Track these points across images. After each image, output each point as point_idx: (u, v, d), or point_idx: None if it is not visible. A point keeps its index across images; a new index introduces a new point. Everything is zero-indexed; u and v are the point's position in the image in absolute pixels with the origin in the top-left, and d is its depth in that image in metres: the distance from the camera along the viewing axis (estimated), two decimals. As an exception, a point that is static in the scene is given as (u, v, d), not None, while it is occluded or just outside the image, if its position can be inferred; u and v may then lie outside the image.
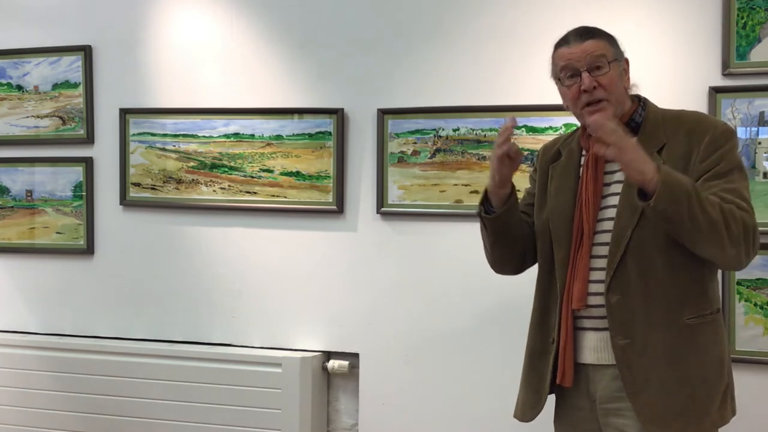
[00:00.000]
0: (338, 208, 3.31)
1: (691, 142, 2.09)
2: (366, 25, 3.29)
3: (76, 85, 3.65)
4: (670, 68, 2.89)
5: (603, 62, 2.10)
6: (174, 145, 3.52)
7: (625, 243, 2.06)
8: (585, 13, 2.69)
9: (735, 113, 2.83)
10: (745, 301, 2.84)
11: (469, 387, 3.16)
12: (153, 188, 3.55)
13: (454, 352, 3.19)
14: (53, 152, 3.69)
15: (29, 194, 3.74)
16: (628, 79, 2.18)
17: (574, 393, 2.19)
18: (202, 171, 3.49)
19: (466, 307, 3.17)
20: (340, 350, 3.35)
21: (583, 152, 2.22)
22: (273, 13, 3.41)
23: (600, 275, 2.10)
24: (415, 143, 3.22)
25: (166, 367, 3.40)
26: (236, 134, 3.44)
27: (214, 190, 3.47)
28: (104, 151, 3.63)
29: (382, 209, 3.26)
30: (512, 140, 2.10)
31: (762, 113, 2.82)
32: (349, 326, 3.33)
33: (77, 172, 3.66)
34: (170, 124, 3.52)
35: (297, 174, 3.37)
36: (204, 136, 3.48)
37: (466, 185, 3.15)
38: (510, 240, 2.26)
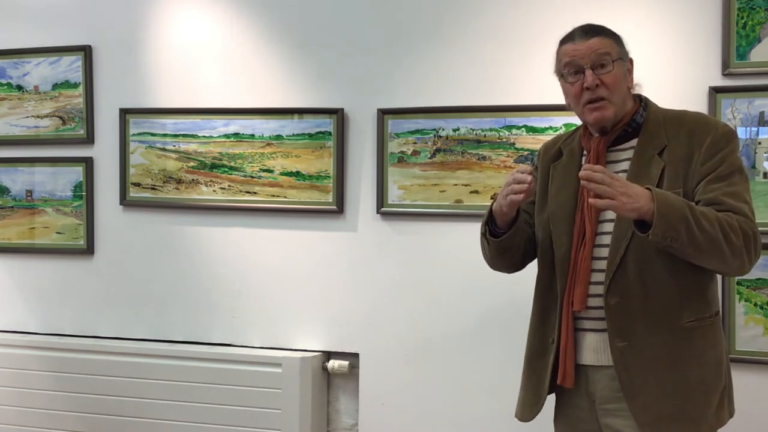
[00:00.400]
0: (338, 208, 3.31)
1: (692, 143, 2.08)
2: (366, 25, 3.29)
3: (76, 85, 3.65)
4: (670, 68, 2.89)
5: (607, 60, 2.10)
6: (174, 145, 3.52)
7: (625, 245, 2.06)
8: (585, 13, 2.68)
9: (735, 113, 2.83)
10: (745, 301, 2.84)
11: (469, 387, 3.16)
12: (153, 188, 3.55)
13: (454, 352, 3.19)
14: (53, 152, 3.69)
15: (29, 194, 3.74)
16: (632, 79, 2.18)
17: (574, 393, 2.19)
18: (202, 171, 3.49)
19: (466, 307, 3.17)
20: (340, 350, 3.35)
21: (584, 152, 2.21)
22: (273, 13, 3.41)
23: (600, 277, 2.10)
24: (415, 143, 3.22)
25: (166, 367, 3.40)
26: (236, 134, 3.44)
27: (214, 190, 3.47)
28: (104, 151, 3.63)
29: (382, 209, 3.26)
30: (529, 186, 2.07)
31: (762, 113, 2.82)
32: (349, 326, 3.33)
33: (77, 172, 3.66)
34: (170, 124, 3.52)
35: (297, 174, 3.37)
36: (204, 136, 3.48)
37: (466, 185, 3.15)
38: (512, 252, 2.25)
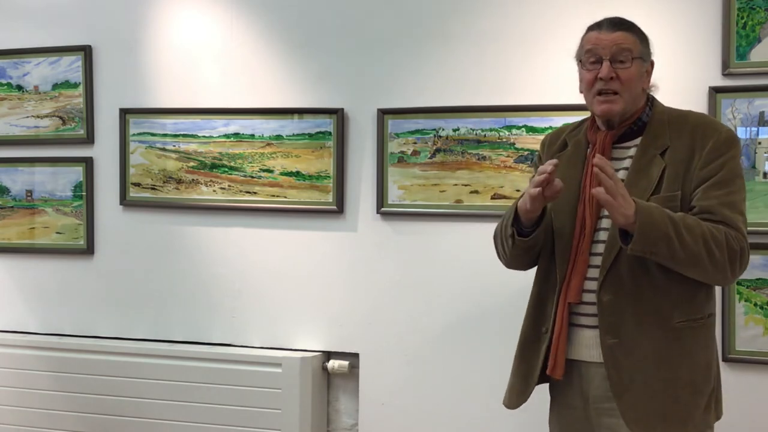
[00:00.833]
0: (338, 208, 3.31)
1: (694, 146, 2.09)
2: (366, 25, 3.29)
3: (76, 85, 3.65)
4: (670, 68, 2.88)
5: (627, 57, 2.11)
6: (174, 145, 3.52)
7: (620, 244, 2.06)
8: (586, 13, 2.67)
9: (735, 113, 2.83)
10: (745, 301, 2.84)
11: (469, 387, 3.16)
12: (153, 188, 3.55)
13: (454, 352, 3.19)
14: (53, 152, 3.69)
15: (29, 194, 3.74)
16: (649, 80, 2.19)
17: (568, 392, 2.20)
18: (202, 171, 3.49)
19: (466, 307, 3.17)
20: (340, 350, 3.35)
21: (590, 145, 2.21)
22: (273, 13, 3.41)
23: (596, 272, 2.11)
24: (415, 143, 3.22)
25: (166, 367, 3.39)
26: (236, 134, 3.44)
27: (214, 190, 3.47)
28: (104, 151, 3.63)
29: (382, 209, 3.26)
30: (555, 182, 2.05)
31: (762, 113, 2.82)
32: (349, 326, 3.33)
33: (77, 172, 3.66)
34: (170, 124, 3.52)
35: (297, 174, 3.37)
36: (204, 136, 3.48)
37: (466, 185, 3.15)
38: (536, 250, 2.23)
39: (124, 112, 3.57)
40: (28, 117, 3.74)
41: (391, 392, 3.27)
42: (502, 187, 3.10)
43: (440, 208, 3.19)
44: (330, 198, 3.32)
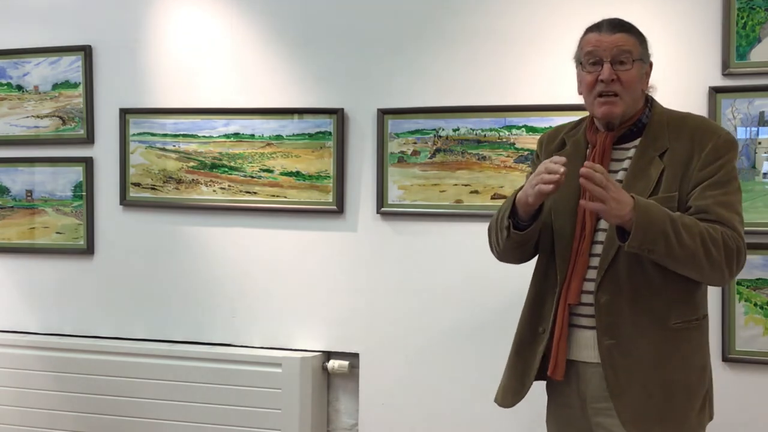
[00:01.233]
0: (338, 208, 3.31)
1: (693, 148, 2.10)
2: (366, 25, 3.29)
3: (76, 85, 3.65)
4: (670, 68, 2.88)
5: (627, 58, 2.11)
6: (174, 145, 3.52)
7: (618, 245, 2.06)
8: (586, 13, 2.67)
9: (735, 113, 2.83)
10: (745, 301, 2.84)
11: (469, 387, 3.16)
12: (153, 188, 3.55)
13: (454, 352, 3.19)
14: (53, 152, 3.69)
15: (29, 194, 3.74)
16: (647, 82, 2.19)
17: (566, 392, 2.20)
18: (202, 171, 3.49)
19: (467, 307, 3.17)
20: (340, 350, 3.35)
21: (589, 145, 2.21)
22: (273, 13, 3.41)
23: (594, 273, 2.11)
24: (415, 143, 3.22)
25: (166, 367, 3.39)
26: (236, 134, 3.44)
27: (214, 190, 3.47)
28: (104, 151, 3.63)
29: (382, 209, 3.26)
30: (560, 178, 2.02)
31: (762, 113, 2.82)
32: (349, 326, 3.33)
33: (77, 172, 3.66)
34: (170, 124, 3.52)
35: (297, 174, 3.37)
36: (204, 136, 3.48)
37: (466, 185, 3.15)
38: (531, 244, 2.23)
39: (124, 112, 3.57)
40: (28, 117, 3.74)
41: (391, 392, 3.27)
42: (502, 187, 3.10)
43: (440, 208, 3.19)
44: (330, 198, 3.32)
